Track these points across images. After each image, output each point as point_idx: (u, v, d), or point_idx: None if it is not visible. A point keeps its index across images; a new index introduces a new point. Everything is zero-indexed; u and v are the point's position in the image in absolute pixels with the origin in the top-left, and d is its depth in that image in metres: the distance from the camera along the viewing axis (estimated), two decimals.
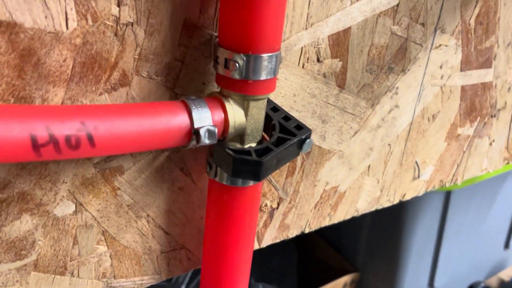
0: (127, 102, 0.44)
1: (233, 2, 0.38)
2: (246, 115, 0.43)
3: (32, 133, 0.32)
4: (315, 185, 0.62)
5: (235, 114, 0.42)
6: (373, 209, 0.72)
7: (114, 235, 0.50)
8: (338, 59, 0.54)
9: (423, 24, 0.59)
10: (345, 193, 0.67)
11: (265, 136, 0.47)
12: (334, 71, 0.55)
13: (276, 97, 0.52)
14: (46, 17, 0.37)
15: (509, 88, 0.74)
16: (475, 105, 0.72)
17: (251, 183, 0.46)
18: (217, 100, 0.42)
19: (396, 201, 0.73)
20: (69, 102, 0.41)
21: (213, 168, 0.46)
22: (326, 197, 0.65)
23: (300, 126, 0.46)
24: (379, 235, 1.34)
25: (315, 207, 0.64)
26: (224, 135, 0.43)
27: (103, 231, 0.49)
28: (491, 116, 0.76)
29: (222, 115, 0.42)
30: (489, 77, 0.70)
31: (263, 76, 0.41)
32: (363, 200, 0.69)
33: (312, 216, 0.65)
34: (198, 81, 0.46)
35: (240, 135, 0.44)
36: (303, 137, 0.45)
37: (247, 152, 0.43)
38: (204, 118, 0.40)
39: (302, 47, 0.51)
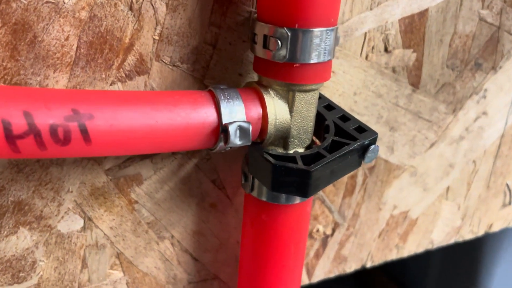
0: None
1: None
2: (291, 111, 0.33)
3: (4, 118, 0.25)
4: (380, 209, 0.51)
5: (277, 109, 0.33)
6: (451, 241, 0.59)
7: (132, 259, 0.41)
8: (412, 49, 0.43)
9: None
10: (418, 220, 0.54)
11: (316, 141, 0.37)
12: (406, 65, 0.44)
13: (332, 96, 0.42)
14: None
15: None
16: None
17: (298, 200, 0.36)
18: (254, 91, 0.33)
19: (480, 233, 0.60)
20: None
21: (249, 180, 0.36)
22: (394, 224, 0.53)
23: (362, 129, 0.36)
24: (452, 273, 1.17)
25: (379, 236, 0.53)
26: (262, 136, 0.33)
27: (118, 253, 0.40)
28: None
29: (260, 110, 0.32)
30: None
31: (313, 59, 0.31)
32: (439, 229, 0.57)
33: (376, 247, 0.53)
34: (233, 71, 0.37)
35: (283, 137, 0.34)
36: (366, 142, 0.35)
37: (292, 158, 0.33)
38: (236, 112, 0.31)
39: (365, 33, 0.41)
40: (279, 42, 0.30)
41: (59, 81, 0.33)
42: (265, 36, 0.31)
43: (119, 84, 0.34)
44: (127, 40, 0.33)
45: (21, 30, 0.30)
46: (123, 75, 0.34)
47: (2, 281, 0.37)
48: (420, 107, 0.47)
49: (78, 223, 0.38)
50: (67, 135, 0.26)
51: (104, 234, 0.39)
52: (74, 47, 0.32)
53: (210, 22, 0.35)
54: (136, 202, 0.39)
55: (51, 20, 0.31)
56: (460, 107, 0.49)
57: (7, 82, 0.31)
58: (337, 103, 0.42)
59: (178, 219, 0.41)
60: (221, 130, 0.31)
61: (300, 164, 0.32)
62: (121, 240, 0.40)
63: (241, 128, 0.31)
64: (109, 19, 0.32)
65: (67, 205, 0.37)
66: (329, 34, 0.31)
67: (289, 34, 0.30)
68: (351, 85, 0.42)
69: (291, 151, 0.35)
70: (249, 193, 0.37)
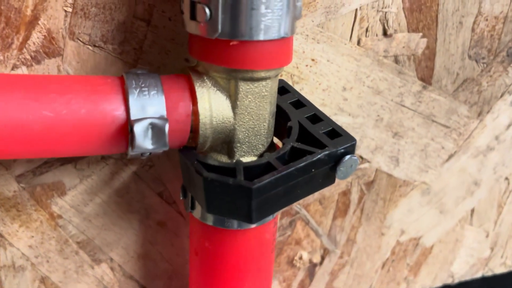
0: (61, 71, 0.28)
1: None
2: (233, 106, 0.25)
3: None
4: (383, 234, 0.41)
5: (213, 103, 0.24)
6: (478, 275, 0.48)
7: (60, 284, 0.34)
8: (421, 34, 0.34)
9: None
10: (433, 249, 0.44)
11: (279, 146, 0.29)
12: (413, 54, 0.34)
13: (314, 91, 0.33)
14: None
15: None
16: None
17: (252, 225, 0.28)
18: (185, 80, 0.25)
19: None
20: None
21: (188, 196, 0.28)
22: (402, 252, 0.43)
23: (336, 133, 0.27)
24: None
25: (383, 267, 0.43)
26: (195, 139, 0.25)
27: (42, 277, 0.33)
28: None
29: (189, 104, 0.24)
30: None
31: (259, 34, 0.22)
32: (461, 261, 0.46)
33: (379, 280, 0.44)
34: (176, 54, 0.29)
35: (227, 142, 0.26)
36: (341, 150, 0.25)
37: (230, 170, 0.24)
38: (150, 105, 0.23)
39: (356, 10, 0.32)
40: (206, 9, 0.22)
41: None
42: (192, 3, 0.23)
43: (24, 68, 0.27)
44: (29, 12, 0.26)
45: None
46: (28, 56, 0.27)
47: None
48: (433, 108, 0.37)
49: None
50: None
51: (22, 254, 0.32)
52: None
53: None
54: (60, 216, 0.32)
55: None
56: (488, 109, 0.39)
57: None
58: (321, 100, 0.34)
59: (117, 239, 0.34)
60: (129, 129, 0.23)
61: (240, 179, 0.24)
62: (44, 262, 0.33)
63: (154, 127, 0.23)
64: None
65: None
66: (279, 0, 0.22)
67: None
68: (338, 77, 0.33)
69: (240, 159, 0.26)
70: (189, 212, 0.29)
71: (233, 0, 0.22)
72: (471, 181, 0.42)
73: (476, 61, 0.36)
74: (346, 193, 0.38)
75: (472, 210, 0.44)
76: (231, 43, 0.23)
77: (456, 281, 0.47)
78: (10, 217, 0.31)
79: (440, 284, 0.46)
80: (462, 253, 0.46)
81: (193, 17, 0.23)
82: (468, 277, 0.47)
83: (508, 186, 0.44)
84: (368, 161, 0.37)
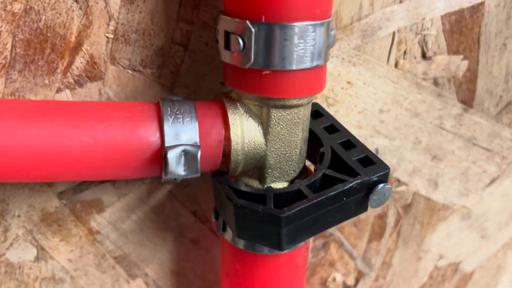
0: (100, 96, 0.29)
1: None
2: (265, 132, 0.25)
3: None
4: (420, 258, 0.40)
5: (245, 129, 0.25)
6: None
7: None
8: (461, 56, 0.33)
9: None
10: (474, 275, 0.42)
11: (312, 170, 0.28)
12: (453, 76, 0.33)
13: (349, 113, 0.33)
14: None
15: None
16: None
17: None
18: (218, 106, 0.25)
19: None
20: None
21: (219, 218, 0.29)
22: (440, 277, 0.42)
23: (370, 160, 0.26)
24: None
25: None
26: (227, 164, 0.25)
27: None
28: None
29: (222, 131, 0.25)
30: None
31: (292, 64, 0.23)
32: (505, 287, 0.44)
33: None
34: (212, 78, 0.30)
35: (258, 168, 0.26)
36: (373, 178, 0.25)
37: (260, 196, 0.25)
38: (184, 132, 0.23)
39: (394, 33, 0.31)
40: (240, 40, 0.22)
41: None
42: (226, 33, 0.23)
43: (67, 91, 0.28)
44: (73, 38, 0.27)
45: None
46: (72, 80, 0.28)
47: None
48: (475, 131, 0.36)
49: (30, 252, 0.32)
50: None
51: (62, 266, 0.33)
52: (8, 47, 0.27)
53: (179, 17, 0.28)
54: (98, 232, 0.33)
55: None
56: None
57: None
58: (356, 123, 0.33)
59: (152, 255, 0.34)
60: (163, 155, 0.23)
61: (269, 206, 0.24)
62: (83, 275, 0.34)
63: (187, 154, 0.23)
64: (49, 13, 0.26)
65: (15, 231, 0.31)
66: (311, 30, 0.22)
67: (253, 30, 0.22)
68: (375, 100, 0.33)
69: (270, 185, 0.26)
70: (221, 234, 0.29)
71: (266, 32, 0.22)
72: None
73: None
74: (382, 216, 0.38)
75: None
76: (263, 73, 0.23)
77: None
78: (52, 232, 0.32)
79: None
80: (505, 280, 0.44)
81: (227, 47, 0.23)
82: None
83: None
84: (406, 184, 0.37)
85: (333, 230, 0.37)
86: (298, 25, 0.22)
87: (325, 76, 0.25)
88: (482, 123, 0.36)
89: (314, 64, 0.23)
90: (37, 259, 0.33)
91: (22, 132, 0.22)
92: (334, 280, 0.39)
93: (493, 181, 0.38)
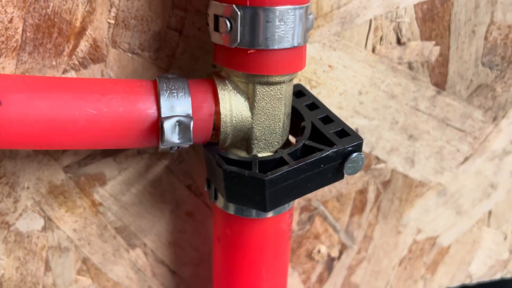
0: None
1: None
2: (251, 107, 0.28)
3: None
4: (399, 232, 0.43)
5: (233, 104, 0.28)
6: (496, 277, 0.49)
7: (100, 266, 0.38)
8: (434, 42, 0.36)
9: None
10: (450, 249, 0.46)
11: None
12: (427, 61, 0.36)
13: (331, 94, 0.36)
14: None
15: None
16: None
17: (269, 214, 0.31)
18: (209, 83, 0.28)
19: None
20: None
21: (212, 187, 0.32)
22: (418, 251, 0.45)
23: (345, 132, 0.29)
24: None
25: (400, 264, 0.45)
26: (217, 136, 0.28)
27: (84, 258, 0.37)
28: None
29: (212, 105, 0.27)
30: None
31: (275, 43, 0.26)
32: (479, 262, 0.47)
33: (396, 277, 0.45)
34: (205, 61, 0.33)
35: (246, 139, 0.29)
36: (348, 148, 0.28)
37: (247, 163, 0.28)
38: (178, 105, 0.26)
39: (370, 20, 0.34)
40: (227, 22, 0.25)
41: (6, 67, 0.30)
42: (216, 17, 0.26)
43: (73, 72, 0.31)
44: (78, 24, 0.30)
45: None
46: (76, 62, 0.31)
47: None
48: (447, 112, 0.39)
49: (38, 222, 0.35)
50: None
51: (67, 236, 0.36)
52: (20, 31, 0.29)
53: (174, 4, 0.31)
54: (101, 204, 0.36)
55: None
56: (503, 114, 0.40)
57: None
58: (338, 104, 0.36)
59: (150, 226, 0.37)
60: (158, 124, 0.26)
61: (254, 171, 0.27)
62: (86, 244, 0.37)
63: (181, 124, 0.26)
64: (56, 0, 0.29)
65: (24, 202, 0.34)
66: (291, 13, 0.25)
67: (239, 13, 0.25)
68: (354, 82, 0.36)
69: (256, 154, 0.29)
70: (213, 202, 0.32)
71: (250, 14, 0.25)
72: (488, 184, 0.43)
73: (490, 68, 0.38)
74: (363, 192, 0.41)
75: (490, 212, 0.45)
76: (249, 52, 0.26)
77: (474, 281, 0.48)
78: (58, 203, 0.35)
79: (458, 283, 0.48)
80: (480, 254, 0.47)
81: (216, 28, 0.26)
82: (486, 279, 0.48)
83: None
84: (384, 162, 0.40)
85: (317, 204, 0.40)
86: (279, 8, 0.25)
87: (305, 56, 0.28)
88: (454, 105, 0.39)
89: (294, 44, 0.26)
90: (44, 229, 0.35)
91: (36, 103, 0.24)
92: (319, 251, 0.42)
93: (466, 159, 0.41)
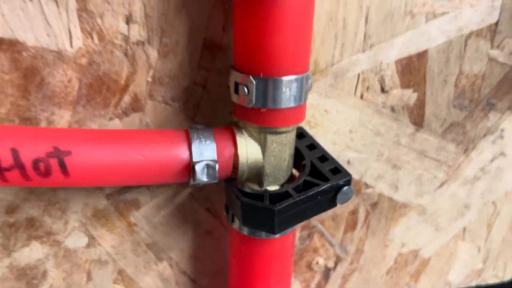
0: (141, 129, 0.39)
1: (241, 17, 0.32)
2: (263, 151, 0.35)
3: None
4: (386, 245, 0.50)
5: (249, 148, 0.35)
6: (472, 284, 0.56)
7: (132, 276, 0.45)
8: (412, 89, 0.43)
9: None
10: (430, 260, 0.53)
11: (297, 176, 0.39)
12: (406, 104, 0.44)
13: (326, 133, 0.43)
14: (48, 35, 0.35)
15: None
16: None
17: (276, 235, 0.38)
18: (229, 132, 0.35)
19: (507, 278, 0.56)
20: (76, 126, 0.38)
21: (229, 212, 0.39)
22: (403, 262, 0.52)
23: (337, 170, 0.37)
24: None
25: (387, 273, 0.52)
26: (235, 173, 0.36)
27: (119, 269, 0.44)
28: None
29: (232, 149, 0.35)
30: None
31: (281, 104, 0.33)
32: (457, 271, 0.54)
33: (384, 285, 0.53)
34: (223, 110, 0.40)
35: (258, 175, 0.36)
36: (340, 183, 0.35)
37: (260, 196, 0.35)
38: (206, 151, 0.34)
39: (358, 74, 0.42)
40: (245, 89, 0.33)
41: (64, 117, 0.37)
42: (236, 83, 0.34)
43: (117, 120, 0.39)
44: (122, 82, 0.37)
45: (31, 74, 0.36)
46: (120, 112, 0.38)
47: (18, 286, 0.43)
48: (425, 146, 0.46)
49: (83, 240, 0.42)
50: (47, 169, 0.31)
51: (107, 251, 0.43)
52: (76, 88, 0.37)
53: (200, 66, 0.38)
54: (135, 224, 0.43)
55: (56, 66, 0.36)
56: (472, 147, 0.47)
57: (20, 116, 0.37)
58: (332, 141, 0.44)
59: (175, 243, 0.45)
60: (190, 166, 0.34)
61: (266, 203, 0.34)
62: (122, 258, 0.44)
63: (208, 166, 0.33)
64: (106, 65, 0.37)
65: (72, 224, 0.41)
66: (294, 82, 0.33)
67: (254, 82, 0.32)
68: (346, 123, 0.43)
69: (267, 188, 0.36)
70: (231, 224, 0.39)
71: (263, 83, 0.32)
72: (462, 205, 0.50)
73: (460, 109, 0.45)
74: (354, 212, 0.48)
75: (464, 229, 0.52)
76: (261, 111, 0.33)
77: None
78: (100, 224, 0.42)
79: None
80: (457, 265, 0.54)
81: (236, 92, 0.34)
82: (463, 286, 0.55)
83: (495, 209, 0.52)
84: (372, 187, 0.47)
85: (315, 223, 0.47)
86: (285, 78, 0.32)
87: (305, 110, 0.36)
88: (431, 140, 0.46)
89: (296, 104, 0.33)
90: (88, 245, 0.43)
91: (97, 152, 0.32)
92: (317, 263, 0.49)
93: (442, 184, 0.49)
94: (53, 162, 0.31)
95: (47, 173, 0.31)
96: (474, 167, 0.48)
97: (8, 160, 0.30)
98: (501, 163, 0.49)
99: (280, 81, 0.32)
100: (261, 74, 0.32)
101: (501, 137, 0.48)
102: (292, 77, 0.32)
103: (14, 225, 0.40)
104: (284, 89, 0.32)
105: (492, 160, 0.49)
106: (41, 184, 0.31)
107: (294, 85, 0.33)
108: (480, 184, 0.50)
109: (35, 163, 0.30)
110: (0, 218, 0.40)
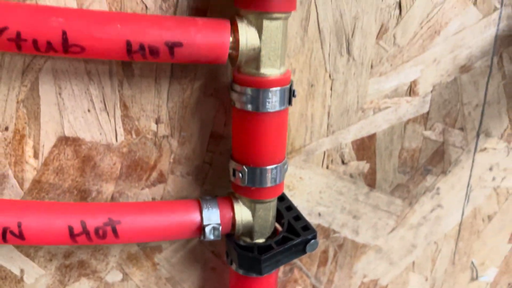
0: (164, 195, 0.54)
1: (236, 125, 0.46)
2: (253, 215, 0.49)
3: (70, 225, 0.44)
4: (351, 277, 0.65)
5: (243, 214, 0.49)
6: None
7: None
8: (365, 161, 0.58)
9: (461, 129, 0.59)
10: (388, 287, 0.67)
11: (280, 229, 0.53)
12: (361, 172, 0.58)
13: (302, 194, 0.58)
14: (100, 133, 0.49)
15: None
16: None
17: (263, 275, 0.52)
18: (228, 201, 0.50)
19: None
20: (117, 195, 0.52)
21: (229, 257, 0.53)
22: None
23: (307, 227, 0.51)
24: None
25: None
26: (233, 230, 0.50)
27: None
28: None
29: (231, 214, 0.49)
30: None
31: (266, 184, 0.47)
32: None
33: None
34: (224, 179, 0.54)
35: (249, 232, 0.50)
36: (308, 237, 0.50)
37: (251, 248, 0.49)
38: (213, 216, 0.48)
39: (324, 151, 0.56)
40: (240, 174, 0.47)
41: (109, 188, 0.52)
42: (234, 169, 0.48)
43: (147, 189, 0.53)
44: (152, 163, 0.52)
45: (87, 160, 0.50)
46: (150, 183, 0.53)
47: None
48: (378, 201, 0.60)
49: (119, 276, 0.56)
50: (104, 233, 0.45)
51: (136, 284, 0.57)
52: (119, 168, 0.51)
53: (208, 150, 0.53)
54: (158, 264, 0.57)
55: (105, 154, 0.50)
56: (415, 201, 0.62)
57: (78, 189, 0.51)
58: (306, 199, 0.58)
59: (188, 277, 0.59)
60: (202, 228, 0.48)
61: (255, 253, 0.48)
62: None
63: (214, 228, 0.48)
64: (141, 152, 0.51)
65: (112, 264, 0.55)
66: (274, 169, 0.47)
67: (246, 170, 0.47)
68: (316, 186, 0.58)
69: (256, 241, 0.51)
70: (229, 265, 0.53)
71: (253, 171, 0.46)
72: (410, 245, 0.65)
73: (403, 174, 0.60)
74: (325, 251, 0.62)
75: (413, 263, 0.66)
76: (252, 188, 0.47)
77: None
78: (132, 264, 0.56)
79: None
80: None
81: (233, 175, 0.48)
82: None
83: (437, 247, 0.66)
84: (338, 232, 0.61)
85: (295, 260, 0.61)
86: (268, 167, 0.46)
87: (283, 185, 0.50)
88: (382, 197, 0.60)
89: (277, 183, 0.48)
90: (122, 280, 0.57)
91: (137, 220, 0.46)
92: None
93: (393, 230, 0.63)
94: (108, 229, 0.45)
95: (103, 236, 0.45)
96: (417, 216, 0.63)
97: (78, 229, 0.44)
98: (439, 213, 0.63)
99: (265, 169, 0.47)
100: (251, 165, 0.47)
101: (438, 193, 0.62)
102: (274, 165, 0.47)
103: (69, 266, 0.54)
104: (268, 174, 0.47)
105: (431, 211, 0.63)
106: (98, 243, 0.46)
107: (275, 171, 0.47)
108: (423, 228, 0.64)
109: (96, 230, 0.45)
110: (59, 261, 0.54)
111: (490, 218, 0.66)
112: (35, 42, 0.38)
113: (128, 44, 0.39)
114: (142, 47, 0.39)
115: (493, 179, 0.63)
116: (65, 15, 0.38)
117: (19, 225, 0.43)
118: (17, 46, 0.38)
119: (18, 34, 0.37)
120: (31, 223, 0.43)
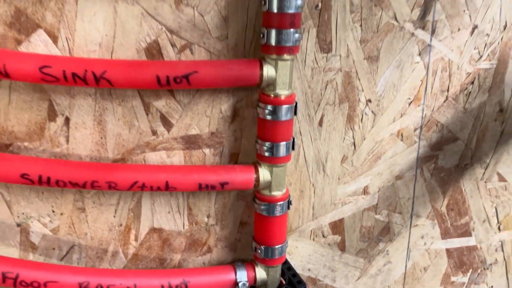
0: (211, 261, 0.85)
1: (256, 220, 0.79)
2: (267, 274, 0.81)
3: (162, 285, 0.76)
4: None
5: (261, 274, 0.81)
6: None
7: None
8: (338, 235, 0.90)
9: (400, 213, 0.91)
10: None
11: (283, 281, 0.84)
12: (335, 242, 0.90)
13: (297, 257, 0.89)
14: (174, 225, 0.82)
15: (496, 249, 0.99)
16: (464, 261, 0.98)
17: None
18: (251, 265, 0.82)
19: None
20: (182, 262, 0.84)
21: None
22: None
23: (300, 281, 0.82)
24: None
25: None
26: (254, 284, 0.81)
27: None
28: (484, 269, 1.00)
29: (253, 274, 0.81)
30: (472, 242, 0.97)
31: (275, 256, 0.79)
32: None
33: None
34: (248, 251, 0.86)
35: (265, 285, 0.82)
36: None
37: None
38: (243, 277, 0.80)
39: (311, 230, 0.88)
40: (259, 250, 0.79)
41: (177, 258, 0.84)
42: (255, 247, 0.80)
43: (200, 257, 0.85)
44: (204, 241, 0.84)
45: (165, 241, 0.82)
46: (202, 253, 0.85)
47: None
48: (347, 260, 0.92)
49: None
50: None
51: None
52: (183, 246, 0.83)
53: (238, 231, 0.85)
54: None
55: (176, 238, 0.82)
56: (373, 259, 0.94)
57: (159, 258, 0.83)
58: (300, 260, 0.90)
59: None
60: (236, 283, 0.79)
61: None
62: None
63: (244, 284, 0.79)
64: (198, 234, 0.83)
65: None
66: (280, 248, 0.79)
67: (262, 248, 0.79)
68: (306, 252, 0.89)
69: None
70: None
71: (266, 249, 0.78)
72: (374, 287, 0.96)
73: (364, 242, 0.92)
74: None
75: None
76: (266, 259, 0.79)
77: None
78: None
79: None
80: None
81: (254, 251, 0.80)
82: None
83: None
84: (321, 281, 0.92)
85: None
86: (276, 247, 0.78)
87: (285, 255, 0.82)
88: (350, 257, 0.92)
89: (282, 255, 0.80)
90: None
91: (199, 280, 0.78)
92: None
93: (359, 278, 0.94)
94: (183, 286, 0.77)
95: None
96: (375, 269, 0.94)
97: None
98: (389, 266, 0.95)
99: (274, 248, 0.79)
100: (266, 245, 0.78)
101: (387, 254, 0.94)
102: (280, 245, 0.79)
103: None
104: (276, 251, 0.79)
105: (384, 265, 0.95)
106: None
107: (280, 248, 0.79)
108: (379, 277, 0.95)
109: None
110: None
111: (425, 269, 0.97)
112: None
113: (200, 186, 0.72)
114: (206, 187, 0.72)
115: (424, 243, 0.95)
116: (141, 170, 0.71)
117: None
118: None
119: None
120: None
